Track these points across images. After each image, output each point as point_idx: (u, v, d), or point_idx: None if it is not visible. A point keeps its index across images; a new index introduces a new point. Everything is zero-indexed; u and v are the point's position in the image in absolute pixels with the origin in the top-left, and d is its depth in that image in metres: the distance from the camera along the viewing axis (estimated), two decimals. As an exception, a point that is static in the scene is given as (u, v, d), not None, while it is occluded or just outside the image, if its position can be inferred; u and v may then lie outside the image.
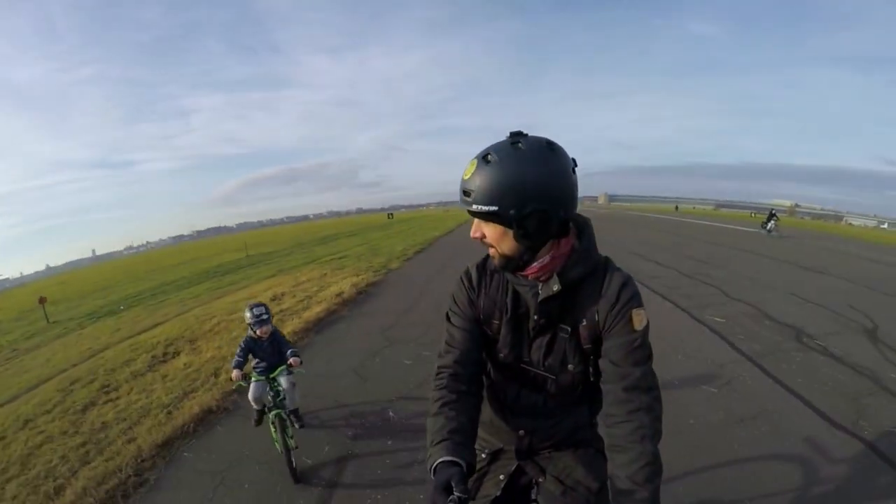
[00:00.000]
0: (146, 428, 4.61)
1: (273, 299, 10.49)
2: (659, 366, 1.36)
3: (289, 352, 3.97)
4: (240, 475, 3.70)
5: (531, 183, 1.18)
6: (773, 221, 22.51)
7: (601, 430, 1.49)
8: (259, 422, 4.13)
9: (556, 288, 1.31)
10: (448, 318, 1.54)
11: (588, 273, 1.34)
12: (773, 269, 12.21)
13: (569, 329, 1.39)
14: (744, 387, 4.77)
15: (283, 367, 3.89)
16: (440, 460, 1.21)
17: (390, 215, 76.23)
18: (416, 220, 65.25)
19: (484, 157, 1.23)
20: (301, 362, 3.95)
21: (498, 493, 1.54)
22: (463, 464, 1.22)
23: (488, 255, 1.45)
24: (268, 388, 3.90)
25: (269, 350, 4.04)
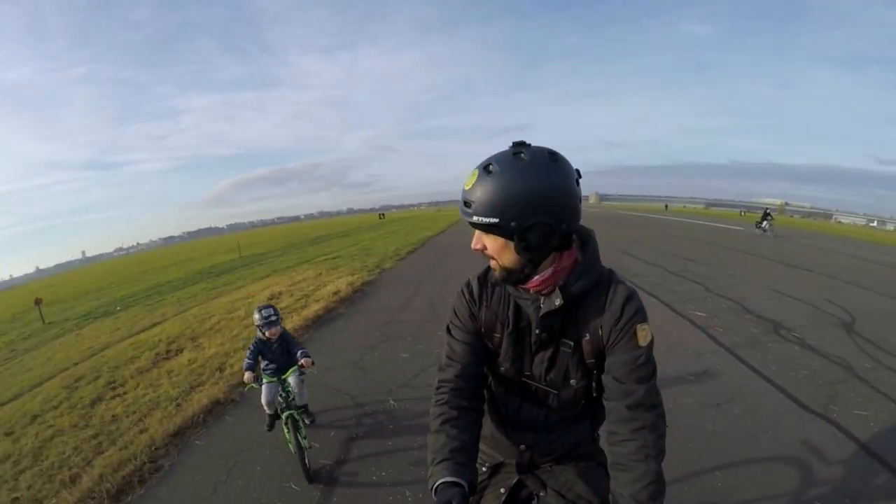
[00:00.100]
0: (157, 419, 4.78)
1: (271, 298, 10.65)
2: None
3: (299, 352, 3.94)
4: (251, 459, 3.91)
5: (533, 195, 1.16)
6: (767, 221, 22.56)
7: (603, 445, 1.51)
8: (271, 427, 4.11)
9: (558, 302, 1.29)
10: (449, 331, 1.52)
11: (591, 287, 1.33)
12: (758, 266, 12.53)
13: (571, 344, 1.37)
14: (720, 374, 5.05)
15: (295, 367, 3.88)
16: (441, 481, 1.21)
17: (382, 215, 76.12)
18: (408, 220, 65.27)
19: (485, 168, 1.21)
20: (312, 363, 3.91)
21: None
22: (465, 484, 1.22)
23: (489, 267, 1.43)
24: (280, 390, 3.87)
25: (278, 351, 4.04)
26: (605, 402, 1.36)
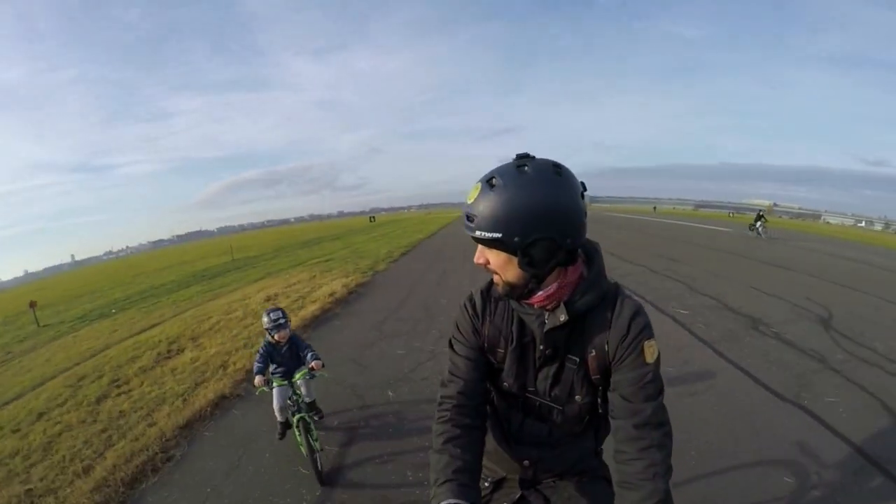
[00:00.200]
0: (164, 413, 4.96)
1: (267, 300, 10.84)
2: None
3: (309, 355, 3.95)
4: (261, 448, 4.11)
5: (537, 210, 1.14)
6: (760, 223, 22.63)
7: (606, 459, 1.57)
8: (283, 435, 4.05)
9: (562, 318, 1.27)
10: (451, 346, 1.51)
11: (597, 302, 1.30)
12: (742, 266, 12.85)
13: (577, 360, 1.35)
14: (698, 366, 5.32)
15: (305, 370, 3.87)
16: (445, 503, 1.21)
17: (372, 218, 76.19)
18: (398, 222, 65.43)
19: (488, 181, 1.19)
20: (323, 365, 3.90)
21: None
22: None
23: (492, 281, 1.41)
24: (291, 393, 3.83)
25: (287, 354, 4.03)
26: (611, 420, 1.33)
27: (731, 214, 58.99)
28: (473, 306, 1.47)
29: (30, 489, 4.07)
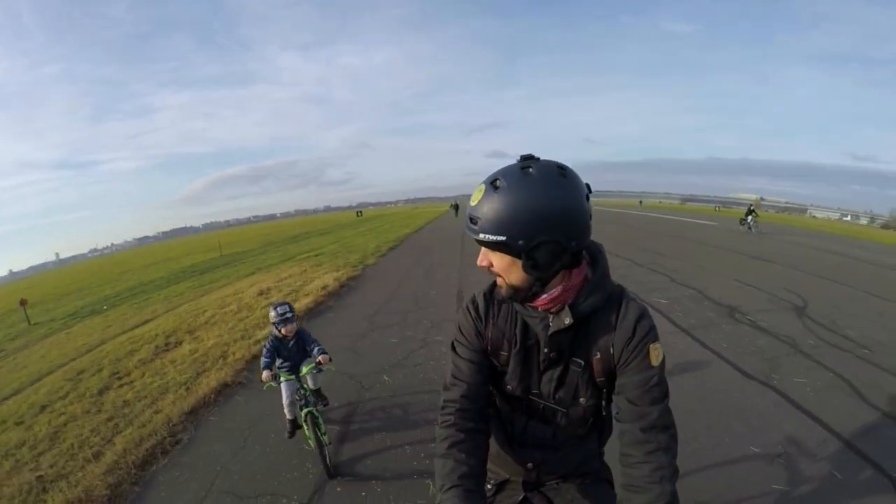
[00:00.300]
0: (169, 401, 5.14)
1: (260, 294, 11.01)
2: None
3: (316, 349, 3.91)
4: (265, 430, 4.33)
5: (541, 212, 1.12)
6: (751, 217, 22.44)
7: (608, 460, 1.60)
8: (292, 434, 4.02)
9: (567, 321, 1.26)
10: (454, 349, 1.49)
11: (601, 304, 1.29)
12: (725, 259, 13.18)
13: (582, 363, 1.34)
14: (675, 351, 5.60)
15: (313, 364, 3.80)
16: None
17: (359, 213, 76.14)
18: (386, 217, 65.59)
19: (492, 183, 1.17)
20: (330, 359, 3.86)
21: None
22: None
23: (495, 283, 1.38)
24: (299, 387, 3.78)
25: (294, 349, 4.00)
26: (616, 423, 1.33)
27: (717, 208, 59.75)
28: (476, 309, 1.45)
29: (40, 476, 4.19)
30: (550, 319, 1.30)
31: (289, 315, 3.91)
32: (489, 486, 1.58)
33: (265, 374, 3.69)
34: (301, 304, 8.99)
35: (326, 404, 4.44)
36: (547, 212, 1.12)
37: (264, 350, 3.90)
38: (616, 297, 1.32)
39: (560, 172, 1.16)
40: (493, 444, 1.53)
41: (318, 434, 3.52)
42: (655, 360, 1.27)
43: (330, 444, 3.77)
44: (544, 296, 1.26)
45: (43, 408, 6.13)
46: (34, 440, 5.07)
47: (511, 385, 1.43)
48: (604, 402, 1.43)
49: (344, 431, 4.22)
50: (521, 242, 1.14)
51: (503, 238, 1.14)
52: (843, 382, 4.66)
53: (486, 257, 1.27)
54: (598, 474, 1.57)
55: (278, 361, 3.96)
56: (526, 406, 1.46)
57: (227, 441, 4.23)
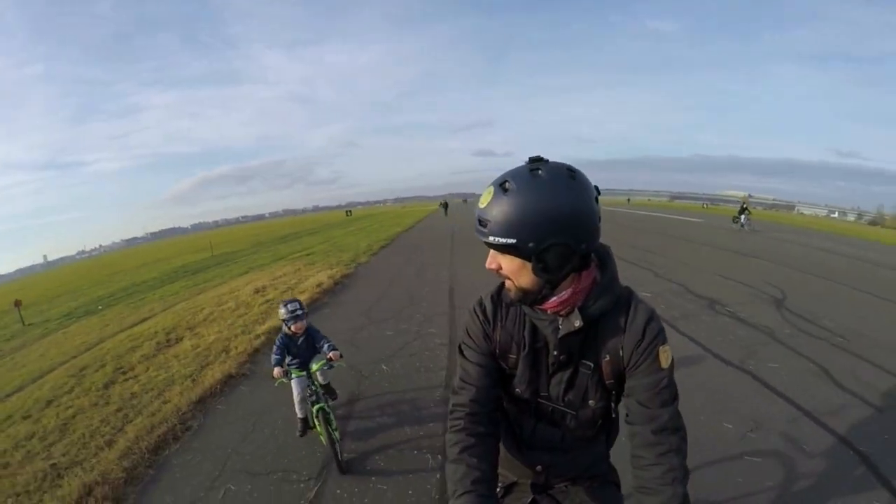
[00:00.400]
0: (176, 392, 5.34)
1: (256, 292, 11.19)
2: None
3: (326, 346, 3.93)
4: (272, 416, 4.56)
5: (552, 214, 1.11)
6: (745, 215, 22.40)
7: (615, 463, 1.61)
8: (303, 432, 4.04)
9: (577, 324, 1.25)
10: (461, 353, 1.48)
11: (611, 307, 1.28)
12: (710, 255, 13.59)
13: (591, 365, 1.33)
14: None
15: (323, 361, 3.83)
16: None
17: (349, 212, 76.21)
18: (375, 216, 65.76)
19: (501, 185, 1.17)
20: (341, 355, 3.87)
21: None
22: None
23: (502, 285, 1.39)
24: (309, 384, 3.79)
25: (303, 346, 4.01)
26: (627, 425, 1.33)
27: (704, 206, 60.25)
28: (484, 311, 1.44)
29: (54, 464, 4.35)
30: (560, 322, 1.29)
31: (299, 312, 3.94)
32: (497, 489, 1.55)
33: (276, 371, 3.70)
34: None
35: (335, 398, 4.51)
36: (557, 214, 1.12)
37: (275, 347, 3.92)
38: (625, 300, 1.32)
39: (569, 174, 1.16)
40: (501, 447, 1.53)
41: (330, 430, 3.57)
42: (665, 363, 1.28)
43: (341, 439, 3.79)
44: (554, 298, 1.26)
45: (49, 402, 6.27)
46: (43, 432, 5.22)
47: (520, 388, 1.43)
48: (613, 405, 1.43)
49: (348, 413, 4.49)
50: (531, 245, 1.14)
51: (513, 241, 1.14)
52: (816, 367, 4.98)
53: (494, 260, 1.27)
54: (605, 476, 1.58)
55: (288, 358, 3.97)
56: (534, 409, 1.46)
57: (236, 427, 4.45)
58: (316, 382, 3.81)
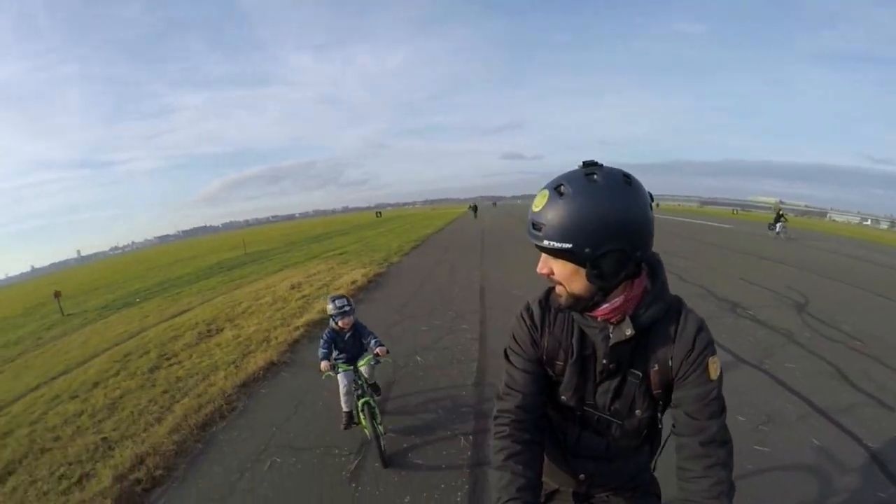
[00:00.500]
0: (221, 377, 5.75)
1: (292, 288, 11.69)
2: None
3: (373, 341, 4.08)
4: (313, 399, 4.93)
5: (609, 220, 1.12)
6: (781, 223, 21.81)
7: (658, 475, 1.61)
8: (348, 425, 4.11)
9: (629, 332, 1.25)
10: (507, 358, 1.49)
11: (661, 316, 1.29)
12: (735, 259, 13.57)
13: (639, 374, 1.34)
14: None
15: (370, 356, 3.95)
16: None
17: (379, 214, 76.99)
18: (405, 218, 66.81)
19: (556, 189, 1.17)
20: (387, 351, 4.03)
21: None
22: None
23: (549, 290, 1.41)
24: (355, 378, 3.94)
25: (350, 341, 4.15)
26: (674, 437, 1.33)
27: (735, 211, 59.12)
28: (531, 316, 1.44)
29: (104, 437, 4.76)
30: (610, 330, 1.30)
31: (347, 308, 4.08)
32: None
33: (323, 365, 3.85)
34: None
35: (379, 394, 4.59)
36: (614, 220, 1.12)
37: (322, 341, 4.05)
38: (675, 309, 1.32)
39: (625, 180, 1.16)
40: (544, 454, 1.54)
41: (375, 424, 3.69)
42: (714, 374, 1.28)
43: (385, 433, 3.92)
44: (605, 305, 1.26)
45: (95, 384, 6.71)
46: (92, 410, 5.62)
47: (566, 395, 1.43)
48: (659, 415, 1.43)
49: (384, 396, 4.79)
50: (587, 251, 1.14)
51: (569, 245, 1.14)
52: (832, 368, 5.10)
53: (546, 264, 1.27)
54: (647, 487, 1.58)
55: (335, 353, 4.12)
56: (580, 417, 1.46)
57: (279, 408, 4.82)
58: (362, 377, 3.98)
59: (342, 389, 3.97)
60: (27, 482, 4.17)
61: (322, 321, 7.96)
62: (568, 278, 1.23)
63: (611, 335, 1.29)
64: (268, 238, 55.53)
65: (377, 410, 3.87)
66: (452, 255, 16.58)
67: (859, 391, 4.55)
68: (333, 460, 3.82)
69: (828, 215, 68.07)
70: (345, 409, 4.06)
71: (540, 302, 1.44)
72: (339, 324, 4.07)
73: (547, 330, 1.41)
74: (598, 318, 1.29)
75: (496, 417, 1.43)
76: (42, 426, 5.49)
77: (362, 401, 3.80)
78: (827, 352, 5.56)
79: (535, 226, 1.18)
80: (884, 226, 55.93)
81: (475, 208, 54.50)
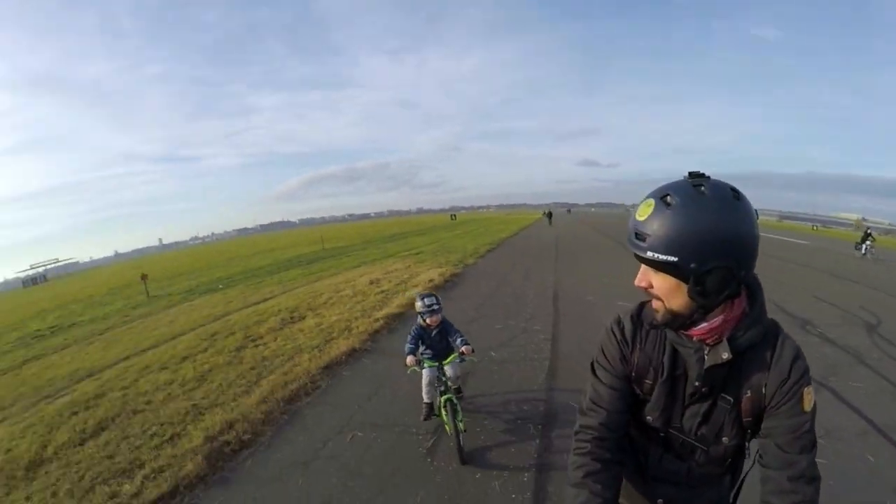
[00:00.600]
0: (305, 359, 6.17)
1: (371, 283, 12.22)
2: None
3: (459, 340, 4.15)
4: (394, 382, 5.27)
5: (717, 235, 1.09)
6: (868, 242, 20.86)
7: None
8: (428, 416, 4.26)
9: (725, 356, 1.22)
10: (594, 372, 1.47)
11: (759, 340, 1.25)
12: (808, 277, 13.05)
13: (731, 400, 1.29)
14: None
15: (456, 354, 4.10)
16: None
17: (453, 216, 77.56)
18: (479, 221, 67.40)
19: (663, 198, 1.15)
20: (473, 350, 4.10)
21: None
22: None
23: (642, 305, 1.41)
24: (438, 374, 4.04)
25: (437, 338, 4.23)
26: (761, 468, 1.28)
27: (814, 227, 55.91)
28: (622, 332, 1.42)
29: (195, 404, 5.22)
30: (706, 351, 1.26)
31: (435, 307, 4.15)
32: None
33: (409, 359, 3.95)
34: (411, 293, 9.89)
35: (461, 397, 4.63)
36: (723, 235, 1.09)
37: (409, 337, 4.17)
38: (772, 334, 1.28)
39: (734, 194, 1.13)
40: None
41: (455, 421, 3.78)
42: (808, 406, 1.23)
43: (465, 430, 4.00)
44: (703, 325, 1.23)
45: (184, 358, 7.33)
46: (182, 380, 6.15)
47: (651, 416, 1.40)
48: (747, 444, 1.39)
49: (460, 385, 4.97)
50: (693, 265, 1.11)
51: (674, 258, 1.11)
52: None
53: (646, 277, 1.24)
54: None
55: (421, 349, 4.22)
56: (663, 439, 1.43)
57: (361, 389, 5.18)
58: (445, 375, 4.07)
59: (424, 380, 4.10)
60: (119, 437, 4.67)
61: (401, 315, 8.36)
62: (668, 293, 1.20)
63: (706, 357, 1.26)
64: (345, 235, 57.35)
65: (459, 408, 3.95)
66: (527, 260, 16.70)
67: (924, 414, 4.42)
68: (411, 437, 4.13)
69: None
70: (426, 400, 4.21)
71: (632, 316, 1.42)
72: (427, 321, 4.15)
73: (638, 346, 1.39)
74: (694, 338, 1.27)
75: (577, 433, 1.43)
76: (133, 391, 6.08)
77: (445, 397, 3.91)
78: (893, 373, 5.38)
79: (639, 235, 1.16)
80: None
81: (550, 214, 54.11)
